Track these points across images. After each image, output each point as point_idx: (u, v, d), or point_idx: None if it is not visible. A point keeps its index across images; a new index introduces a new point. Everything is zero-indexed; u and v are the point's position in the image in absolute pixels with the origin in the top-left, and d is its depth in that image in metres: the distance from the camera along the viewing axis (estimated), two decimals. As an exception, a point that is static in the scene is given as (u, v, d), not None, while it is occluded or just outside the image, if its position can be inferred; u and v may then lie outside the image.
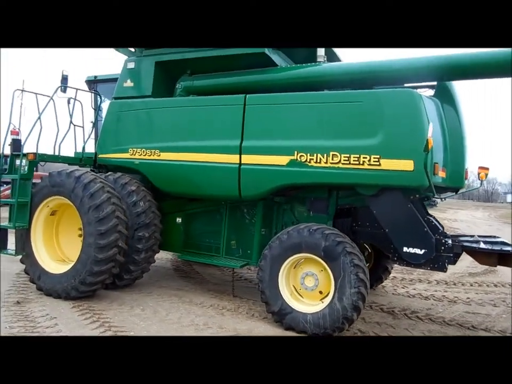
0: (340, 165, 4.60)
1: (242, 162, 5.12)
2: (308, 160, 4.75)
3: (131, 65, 6.13)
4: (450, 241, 4.63)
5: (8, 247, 5.75)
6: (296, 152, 4.80)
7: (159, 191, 5.91)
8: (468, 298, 6.69)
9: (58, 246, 5.80)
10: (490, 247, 4.67)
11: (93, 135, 6.87)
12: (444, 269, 4.65)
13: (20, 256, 5.62)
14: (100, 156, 6.27)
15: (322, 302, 4.59)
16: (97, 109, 7.11)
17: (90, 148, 6.75)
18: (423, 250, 4.59)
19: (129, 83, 6.14)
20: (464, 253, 4.66)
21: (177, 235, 6.18)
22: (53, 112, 6.29)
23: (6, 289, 5.55)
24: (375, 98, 4.54)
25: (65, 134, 6.12)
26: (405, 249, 4.66)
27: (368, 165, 4.47)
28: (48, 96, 5.99)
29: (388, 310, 5.75)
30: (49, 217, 5.69)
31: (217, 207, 5.96)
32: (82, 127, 6.70)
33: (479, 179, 5.28)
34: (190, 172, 5.47)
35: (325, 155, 4.66)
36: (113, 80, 6.73)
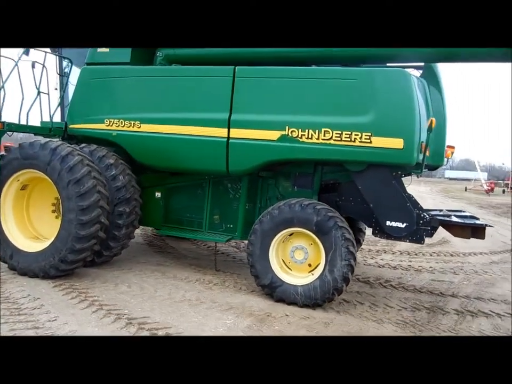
0: (332, 141, 4.66)
1: (230, 136, 5.03)
2: (300, 136, 4.76)
3: (105, 29, 5.70)
4: (428, 216, 4.91)
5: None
6: (287, 127, 4.79)
7: (138, 164, 5.69)
8: (431, 267, 7.20)
9: (29, 223, 5.44)
10: (463, 221, 5.04)
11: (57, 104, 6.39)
12: (421, 241, 4.93)
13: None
14: (71, 126, 5.88)
15: (312, 274, 4.73)
16: (63, 74, 6.59)
17: (57, 117, 6.32)
18: (404, 224, 4.83)
19: (104, 49, 5.73)
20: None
21: (157, 210, 6.01)
22: (17, 77, 5.78)
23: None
24: (369, 76, 4.60)
25: (33, 102, 5.64)
26: (388, 223, 4.87)
27: (360, 142, 4.57)
28: (13, 60, 5.47)
29: (364, 280, 6.05)
30: (19, 192, 5.29)
31: (200, 181, 5.85)
32: (48, 94, 6.21)
33: (445, 157, 5.61)
34: (174, 145, 5.30)
35: (317, 131, 4.69)
36: None
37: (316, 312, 4.54)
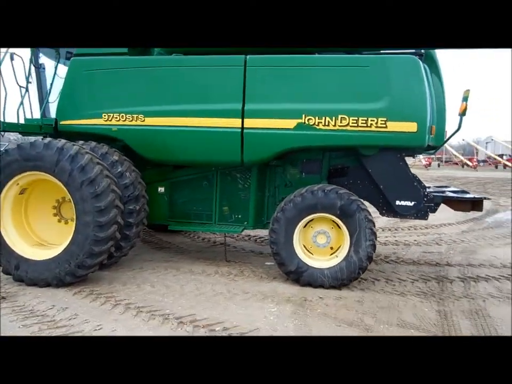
0: (349, 128, 4.80)
1: (245, 126, 4.99)
2: (316, 123, 4.85)
3: (95, 17, 5.33)
4: (433, 193, 5.27)
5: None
6: (304, 115, 4.86)
7: (139, 159, 5.47)
8: (415, 240, 7.73)
9: (30, 229, 5.06)
10: (462, 196, 5.46)
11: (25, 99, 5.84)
12: (426, 217, 5.29)
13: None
14: (62, 122, 5.48)
15: (337, 256, 4.90)
16: (39, 66, 6.07)
17: (35, 113, 5.87)
18: (413, 202, 5.15)
19: (95, 38, 5.36)
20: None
21: (161, 205, 5.84)
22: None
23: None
24: (381, 63, 4.78)
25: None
26: (398, 202, 5.16)
27: (376, 127, 4.76)
28: None
29: (366, 258, 6.35)
30: (17, 197, 4.88)
31: (206, 173, 5.76)
32: (26, 88, 5.73)
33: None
34: (183, 138, 5.16)
35: (334, 118, 4.81)
36: None
37: (343, 292, 4.74)
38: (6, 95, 5.26)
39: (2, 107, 5.32)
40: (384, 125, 4.74)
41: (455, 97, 5.12)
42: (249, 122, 4.98)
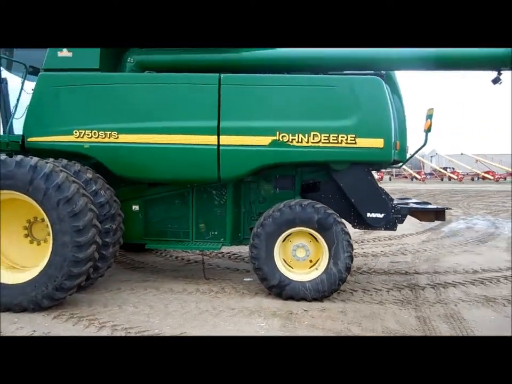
0: (320, 144, 5.00)
1: (221, 143, 5.06)
2: (290, 140, 5.01)
3: (67, 33, 5.24)
4: (399, 205, 5.57)
5: None
6: (278, 132, 5.00)
7: (114, 177, 5.37)
8: (382, 251, 8.06)
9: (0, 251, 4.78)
10: (425, 207, 5.82)
11: None
12: (394, 228, 5.57)
13: None
14: (30, 139, 5.28)
15: (316, 269, 5.03)
16: (1, 81, 5.83)
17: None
18: (382, 214, 5.40)
19: (66, 53, 5.26)
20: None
21: (136, 223, 5.72)
22: None
23: None
24: (348, 83, 5.05)
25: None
26: (369, 214, 5.39)
27: (346, 143, 4.99)
28: None
29: (339, 270, 6.55)
30: (-16, 218, 4.62)
31: (181, 190, 5.73)
32: None
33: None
34: (159, 155, 5.12)
35: (306, 135, 4.99)
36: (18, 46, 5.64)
37: (325, 304, 4.87)
38: None
39: None
40: (354, 141, 4.98)
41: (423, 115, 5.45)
42: (225, 139, 5.05)
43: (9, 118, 5.61)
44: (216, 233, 5.78)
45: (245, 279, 5.89)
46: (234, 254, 7.50)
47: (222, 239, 5.74)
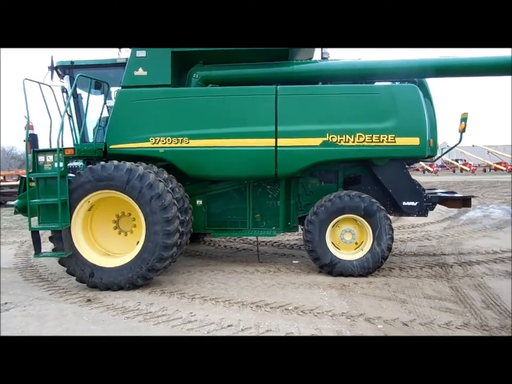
0: (365, 143, 5.86)
1: (278, 145, 5.94)
2: (338, 141, 5.88)
3: (141, 54, 6.14)
4: (430, 194, 6.41)
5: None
6: (328, 134, 5.87)
7: (181, 176, 6.25)
8: (408, 237, 8.87)
9: (95, 241, 5.72)
10: (452, 195, 6.65)
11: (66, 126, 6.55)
12: (426, 215, 6.41)
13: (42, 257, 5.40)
14: (112, 146, 6.20)
15: (362, 250, 5.90)
16: (76, 97, 6.76)
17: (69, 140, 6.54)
18: (416, 202, 6.26)
19: (141, 72, 6.16)
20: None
21: (200, 216, 6.65)
22: (54, 103, 6.04)
23: (46, 293, 5.35)
24: (389, 91, 5.90)
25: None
26: (404, 203, 6.26)
27: (387, 142, 5.84)
28: (48, 85, 5.72)
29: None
30: (86, 213, 5.56)
31: (239, 186, 6.63)
32: (71, 116, 6.46)
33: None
34: (225, 157, 6.01)
35: (352, 136, 5.86)
36: (92, 66, 6.58)
37: (371, 278, 5.73)
38: (51, 122, 5.96)
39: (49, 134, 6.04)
40: (394, 140, 5.83)
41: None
42: (282, 142, 5.93)
43: (84, 129, 6.57)
44: (269, 222, 6.68)
45: (293, 262, 6.78)
46: (276, 242, 8.38)
47: (274, 227, 6.64)
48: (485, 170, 41.61)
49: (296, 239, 8.57)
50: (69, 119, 6.42)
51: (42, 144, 6.26)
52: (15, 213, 6.57)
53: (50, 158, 5.35)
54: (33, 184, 6.24)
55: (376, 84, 6.31)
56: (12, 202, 6.41)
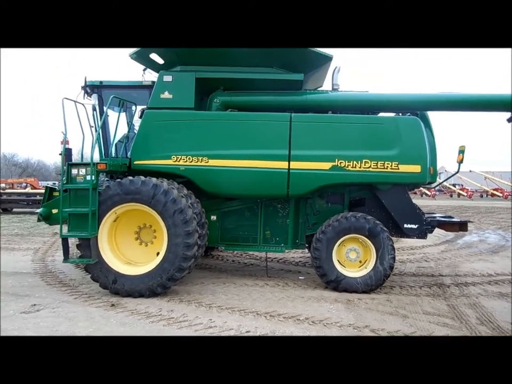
0: (370, 169, 6.36)
1: (291, 167, 6.43)
2: (346, 166, 6.38)
3: (168, 78, 6.67)
4: (429, 218, 6.88)
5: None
6: (337, 159, 6.37)
7: (198, 192, 6.71)
8: (407, 259, 9.31)
9: (118, 250, 6.13)
10: (450, 220, 7.12)
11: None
12: (425, 237, 6.87)
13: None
14: (136, 162, 6.67)
15: (366, 268, 6.33)
16: (102, 114, 7.26)
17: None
18: (417, 225, 6.73)
19: (167, 95, 6.68)
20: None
21: (214, 230, 7.09)
22: (86, 119, 6.54)
23: (71, 297, 5.74)
24: (393, 121, 6.44)
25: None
26: (405, 225, 6.73)
27: (390, 168, 6.35)
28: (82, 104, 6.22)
29: (376, 272, 7.82)
30: (112, 224, 5.99)
31: (252, 204, 7.10)
32: (98, 132, 6.94)
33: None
34: (241, 176, 6.49)
35: (359, 162, 6.36)
36: (120, 87, 7.10)
37: (373, 295, 6.15)
38: (83, 137, 6.46)
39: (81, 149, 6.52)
40: (397, 167, 6.33)
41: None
42: (295, 165, 6.42)
43: (109, 144, 7.06)
44: (278, 239, 7.12)
45: (299, 277, 7.20)
46: (281, 259, 8.80)
47: (283, 244, 7.08)
48: (481, 196, 42.28)
49: (301, 257, 9.00)
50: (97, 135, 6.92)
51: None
52: (39, 220, 6.98)
53: (82, 171, 5.82)
54: (56, 194, 6.72)
55: (382, 114, 6.85)
56: (37, 210, 6.80)
